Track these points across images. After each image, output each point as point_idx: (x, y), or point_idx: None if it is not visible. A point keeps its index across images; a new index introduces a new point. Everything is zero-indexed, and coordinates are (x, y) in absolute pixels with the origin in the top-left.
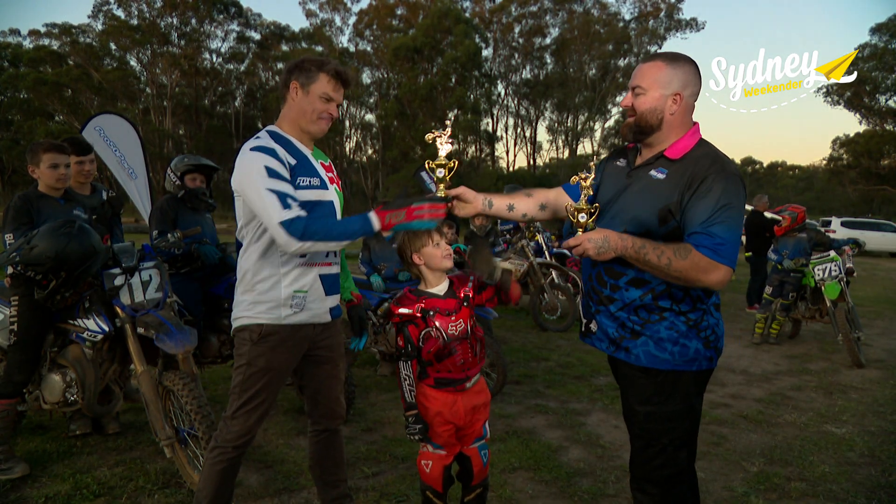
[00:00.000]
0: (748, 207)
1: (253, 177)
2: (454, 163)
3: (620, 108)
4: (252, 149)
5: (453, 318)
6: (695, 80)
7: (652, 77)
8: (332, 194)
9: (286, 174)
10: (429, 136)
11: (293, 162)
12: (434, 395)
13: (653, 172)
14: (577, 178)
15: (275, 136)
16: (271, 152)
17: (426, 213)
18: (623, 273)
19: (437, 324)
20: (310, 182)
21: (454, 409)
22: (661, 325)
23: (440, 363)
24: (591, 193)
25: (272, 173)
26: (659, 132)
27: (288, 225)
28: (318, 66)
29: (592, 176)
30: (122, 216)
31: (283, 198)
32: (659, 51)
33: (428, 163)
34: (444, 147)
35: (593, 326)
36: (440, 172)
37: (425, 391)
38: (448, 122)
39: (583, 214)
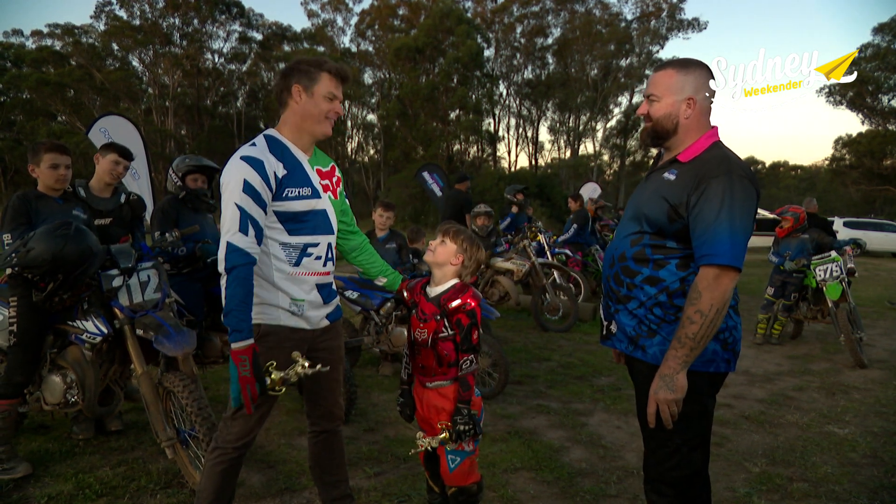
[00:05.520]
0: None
1: (231, 186)
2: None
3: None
4: (241, 157)
5: (422, 325)
6: (708, 82)
7: (664, 85)
8: (325, 203)
9: (265, 192)
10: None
11: (283, 173)
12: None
13: (665, 174)
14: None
15: (271, 143)
16: (258, 165)
17: (247, 393)
18: (638, 272)
19: (413, 320)
20: (299, 192)
21: (418, 394)
22: (676, 326)
23: (411, 357)
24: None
25: (248, 189)
26: (676, 136)
27: (232, 250)
28: (318, 66)
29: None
30: None
31: (245, 219)
32: (671, 57)
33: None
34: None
35: (613, 328)
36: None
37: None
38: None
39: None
